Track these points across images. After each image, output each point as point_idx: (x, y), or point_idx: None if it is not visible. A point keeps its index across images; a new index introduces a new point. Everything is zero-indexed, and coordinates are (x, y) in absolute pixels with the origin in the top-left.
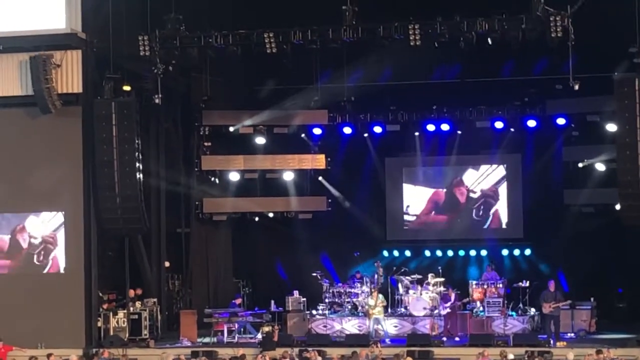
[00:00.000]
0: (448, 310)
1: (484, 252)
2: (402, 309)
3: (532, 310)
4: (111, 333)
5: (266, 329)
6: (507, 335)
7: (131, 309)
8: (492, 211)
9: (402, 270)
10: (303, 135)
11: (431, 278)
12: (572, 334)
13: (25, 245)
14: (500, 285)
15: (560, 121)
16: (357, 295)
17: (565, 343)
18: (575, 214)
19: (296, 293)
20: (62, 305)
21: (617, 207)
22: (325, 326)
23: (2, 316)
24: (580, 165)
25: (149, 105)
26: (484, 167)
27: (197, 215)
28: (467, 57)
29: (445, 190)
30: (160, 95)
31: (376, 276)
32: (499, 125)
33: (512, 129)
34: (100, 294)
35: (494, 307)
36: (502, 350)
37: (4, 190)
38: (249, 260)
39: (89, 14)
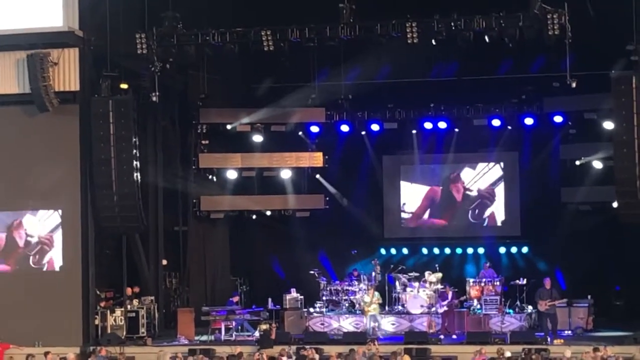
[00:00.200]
0: (445, 308)
1: (481, 250)
2: (400, 307)
3: (530, 308)
4: (109, 331)
5: (264, 326)
6: (505, 333)
7: (129, 307)
8: (487, 213)
9: (400, 268)
10: (300, 133)
11: (428, 276)
12: (570, 332)
13: (21, 243)
14: (498, 283)
15: (558, 119)
16: (354, 293)
17: (562, 340)
18: (572, 212)
19: (293, 291)
20: (59, 304)
21: (614, 204)
22: (322, 324)
23: None
24: (577, 163)
25: (147, 103)
26: (481, 165)
27: (195, 213)
28: (465, 55)
29: (441, 187)
30: (157, 93)
31: (373, 274)
32: (496, 123)
33: (509, 127)
34: (98, 292)
35: (491, 305)
36: (499, 348)
37: (1, 188)
38: (246, 258)
39: (86, 12)
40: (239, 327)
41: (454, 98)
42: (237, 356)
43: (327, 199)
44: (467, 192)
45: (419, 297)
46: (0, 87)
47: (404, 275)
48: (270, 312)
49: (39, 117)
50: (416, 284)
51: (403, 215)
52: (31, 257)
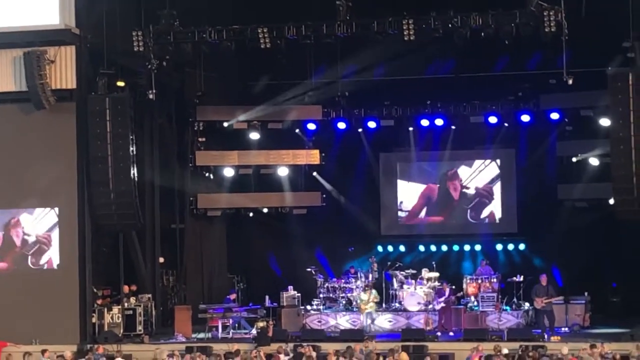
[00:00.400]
0: (442, 305)
1: (478, 247)
2: (397, 304)
3: (526, 305)
4: (106, 329)
5: (261, 324)
6: (502, 330)
7: (126, 304)
8: (486, 213)
9: (397, 265)
10: (297, 130)
11: (425, 273)
12: (566, 329)
13: (18, 242)
14: (495, 280)
15: (554, 116)
16: (351, 290)
17: (559, 337)
18: (569, 209)
19: (290, 288)
20: (56, 301)
21: (611, 201)
22: (319, 321)
23: None
24: (574, 159)
25: (143, 100)
26: (477, 162)
27: (192, 210)
28: (461, 52)
29: (438, 185)
30: (154, 91)
31: (370, 271)
32: (492, 120)
33: (506, 124)
34: (95, 290)
35: (488, 302)
36: (496, 345)
37: None
38: (243, 256)
39: (82, 10)
40: (236, 325)
41: (451, 95)
42: (235, 354)
43: (324, 196)
44: (465, 190)
45: (416, 294)
46: None
47: (401, 272)
48: (268, 310)
49: (36, 114)
50: (413, 281)
51: (400, 213)
52: (29, 257)
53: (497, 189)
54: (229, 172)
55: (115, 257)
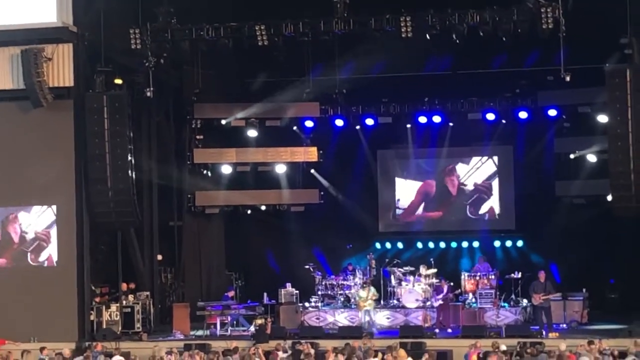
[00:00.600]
0: (440, 301)
1: (476, 244)
2: (395, 301)
3: (525, 302)
4: (104, 326)
5: (259, 321)
6: (500, 327)
7: (124, 302)
8: (486, 209)
9: (395, 262)
10: (295, 127)
11: (423, 270)
12: (564, 325)
13: (16, 239)
14: (493, 277)
15: (552, 112)
16: (349, 287)
17: (557, 334)
18: (566, 205)
19: (289, 285)
20: (54, 299)
21: (609, 198)
22: (318, 318)
23: None
24: (571, 156)
25: (141, 98)
26: (475, 159)
27: (190, 208)
28: (459, 49)
29: (436, 181)
30: (152, 89)
31: (368, 268)
32: (490, 116)
33: (503, 121)
34: (93, 288)
35: (486, 299)
36: (495, 342)
37: None
38: (241, 253)
39: (80, 8)
40: (235, 322)
41: (449, 92)
42: (233, 351)
43: (322, 193)
44: (462, 187)
45: (414, 291)
46: None
47: (399, 269)
48: (266, 307)
49: (33, 112)
50: (411, 278)
51: (398, 210)
52: (29, 254)
53: (495, 184)
54: (226, 170)
55: (113, 254)
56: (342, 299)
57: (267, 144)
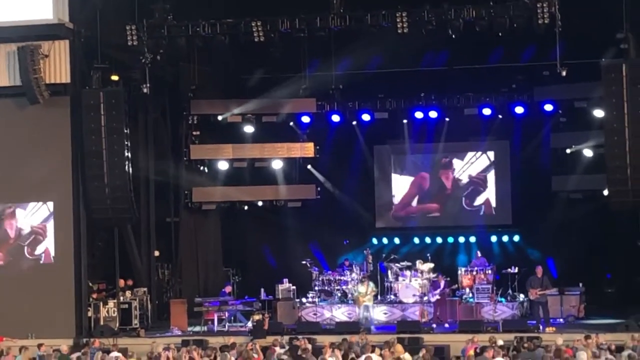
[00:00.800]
0: (437, 297)
1: (472, 239)
2: (392, 296)
3: (521, 296)
4: (101, 323)
5: (256, 317)
6: (497, 322)
7: (121, 298)
8: (481, 200)
9: (392, 257)
10: (292, 123)
11: (420, 265)
12: (561, 320)
13: (12, 234)
14: (489, 272)
15: (548, 107)
16: (346, 282)
17: (554, 328)
18: (563, 200)
19: (286, 281)
20: (52, 296)
21: (605, 192)
22: (315, 314)
23: None
24: (568, 151)
25: (137, 94)
26: (469, 155)
27: (187, 204)
28: (455, 45)
29: (430, 174)
30: (148, 85)
31: (365, 264)
32: (486, 112)
33: (500, 116)
34: (90, 284)
35: (483, 294)
36: (492, 337)
37: None
38: (238, 249)
39: (76, 4)
40: (232, 318)
41: (445, 87)
42: (230, 347)
43: (319, 189)
44: (458, 181)
45: (411, 286)
46: None
47: (396, 264)
48: (263, 303)
49: (30, 109)
50: (408, 273)
51: (395, 205)
52: (25, 248)
53: (490, 177)
54: (223, 166)
55: (110, 251)
56: (339, 295)
57: (263, 140)
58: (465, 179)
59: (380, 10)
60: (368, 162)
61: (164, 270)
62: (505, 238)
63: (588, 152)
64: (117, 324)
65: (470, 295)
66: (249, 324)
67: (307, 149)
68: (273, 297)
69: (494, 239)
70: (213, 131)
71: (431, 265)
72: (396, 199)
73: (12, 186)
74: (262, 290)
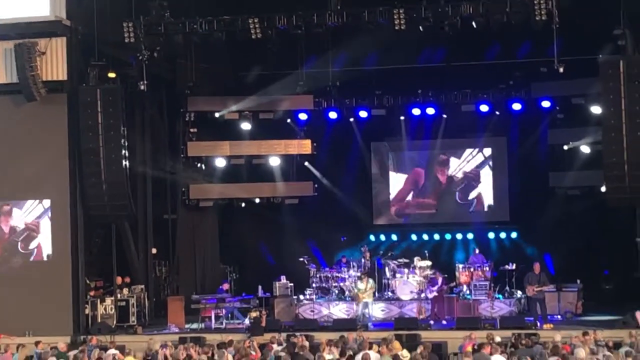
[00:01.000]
0: (435, 293)
1: (470, 236)
2: (389, 293)
3: (519, 293)
4: (99, 320)
5: (254, 314)
6: (494, 318)
7: (119, 295)
8: (474, 194)
9: (390, 254)
10: (289, 120)
11: (418, 262)
12: (559, 316)
13: (7, 230)
14: (487, 269)
15: (545, 104)
16: (344, 279)
17: (552, 325)
18: (560, 197)
19: (283, 278)
20: (49, 293)
21: (603, 189)
22: (312, 311)
23: None
24: (565, 147)
25: (135, 92)
26: (466, 153)
27: (184, 201)
28: (452, 41)
29: (425, 169)
30: (145, 82)
31: (363, 261)
32: (484, 108)
33: (497, 112)
34: (88, 281)
35: (481, 290)
36: (489, 333)
37: None
38: (235, 246)
39: (73, 1)
40: (229, 315)
41: (442, 84)
42: (228, 344)
43: (316, 186)
44: (453, 177)
45: (409, 283)
46: None
47: (394, 261)
48: (260, 300)
49: (27, 106)
50: (406, 270)
51: (392, 201)
52: (19, 243)
53: (486, 175)
54: (220, 163)
55: (107, 248)
56: (336, 292)
57: (260, 137)
58: (460, 175)
59: (377, 7)
60: (365, 158)
61: (162, 267)
62: (502, 235)
63: (585, 149)
64: (115, 321)
65: (468, 292)
66: (247, 321)
67: (304, 146)
68: (270, 294)
69: (491, 235)
70: (210, 128)
71: (429, 262)
72: (393, 196)
73: (9, 183)
74: (260, 287)
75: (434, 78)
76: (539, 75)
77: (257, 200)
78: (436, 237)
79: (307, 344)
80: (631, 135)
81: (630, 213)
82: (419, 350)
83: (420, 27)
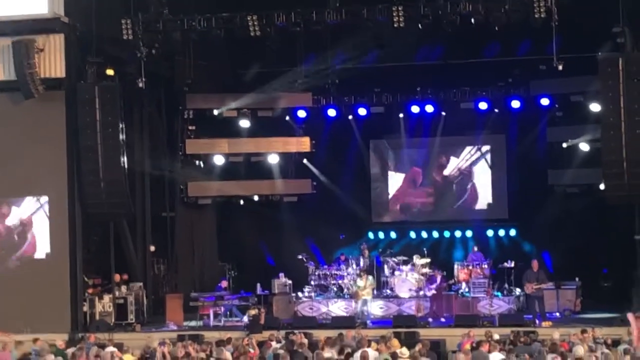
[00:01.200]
0: (434, 291)
1: (469, 233)
2: (388, 291)
3: (518, 291)
4: (97, 318)
5: (252, 312)
6: (493, 316)
7: (117, 293)
8: (468, 187)
9: (389, 252)
10: (287, 118)
11: (417, 259)
12: (558, 314)
13: (2, 228)
14: (486, 266)
15: (544, 101)
16: (342, 277)
17: (550, 323)
18: (559, 194)
19: (282, 276)
20: (47, 290)
21: (602, 186)
22: (311, 308)
23: None
24: (564, 145)
25: (133, 89)
26: (466, 151)
27: (182, 199)
28: (451, 39)
29: (424, 168)
30: (143, 79)
31: (362, 258)
32: (483, 106)
33: (496, 110)
34: (86, 279)
35: (480, 288)
36: (488, 331)
37: None
38: (234, 244)
39: None
40: (228, 313)
41: (441, 82)
42: (226, 341)
43: (315, 183)
44: (450, 174)
45: (407, 280)
46: None
47: (392, 259)
48: (259, 297)
49: (25, 104)
50: (404, 268)
51: (391, 198)
52: (15, 236)
53: (481, 167)
54: (219, 160)
55: (105, 246)
56: (335, 289)
57: (259, 135)
58: (456, 172)
59: (376, 5)
60: (364, 156)
61: (160, 265)
62: (501, 232)
63: (584, 146)
64: (113, 319)
65: (467, 289)
66: (245, 319)
67: (303, 144)
68: (269, 291)
69: (490, 233)
70: (209, 126)
71: (427, 259)
72: (392, 193)
73: (7, 181)
74: (258, 284)
75: (433, 76)
76: (538, 72)
77: (256, 198)
78: (435, 234)
79: (305, 341)
80: (630, 133)
81: (629, 211)
82: (417, 348)
83: (419, 25)
